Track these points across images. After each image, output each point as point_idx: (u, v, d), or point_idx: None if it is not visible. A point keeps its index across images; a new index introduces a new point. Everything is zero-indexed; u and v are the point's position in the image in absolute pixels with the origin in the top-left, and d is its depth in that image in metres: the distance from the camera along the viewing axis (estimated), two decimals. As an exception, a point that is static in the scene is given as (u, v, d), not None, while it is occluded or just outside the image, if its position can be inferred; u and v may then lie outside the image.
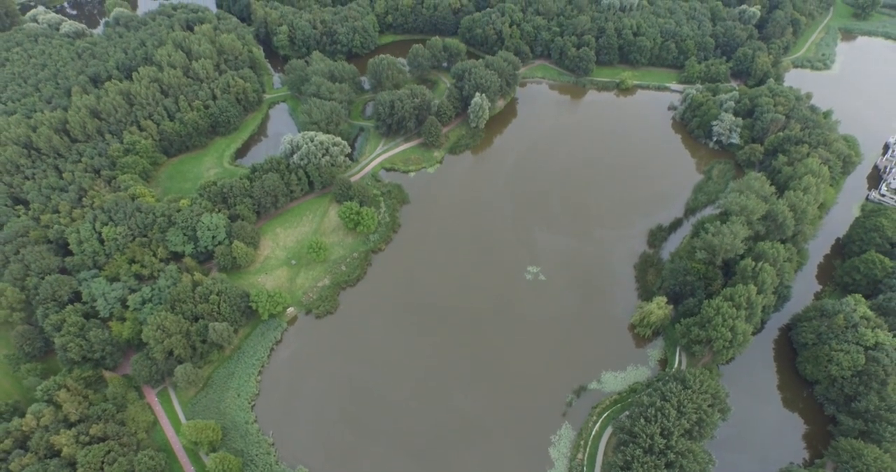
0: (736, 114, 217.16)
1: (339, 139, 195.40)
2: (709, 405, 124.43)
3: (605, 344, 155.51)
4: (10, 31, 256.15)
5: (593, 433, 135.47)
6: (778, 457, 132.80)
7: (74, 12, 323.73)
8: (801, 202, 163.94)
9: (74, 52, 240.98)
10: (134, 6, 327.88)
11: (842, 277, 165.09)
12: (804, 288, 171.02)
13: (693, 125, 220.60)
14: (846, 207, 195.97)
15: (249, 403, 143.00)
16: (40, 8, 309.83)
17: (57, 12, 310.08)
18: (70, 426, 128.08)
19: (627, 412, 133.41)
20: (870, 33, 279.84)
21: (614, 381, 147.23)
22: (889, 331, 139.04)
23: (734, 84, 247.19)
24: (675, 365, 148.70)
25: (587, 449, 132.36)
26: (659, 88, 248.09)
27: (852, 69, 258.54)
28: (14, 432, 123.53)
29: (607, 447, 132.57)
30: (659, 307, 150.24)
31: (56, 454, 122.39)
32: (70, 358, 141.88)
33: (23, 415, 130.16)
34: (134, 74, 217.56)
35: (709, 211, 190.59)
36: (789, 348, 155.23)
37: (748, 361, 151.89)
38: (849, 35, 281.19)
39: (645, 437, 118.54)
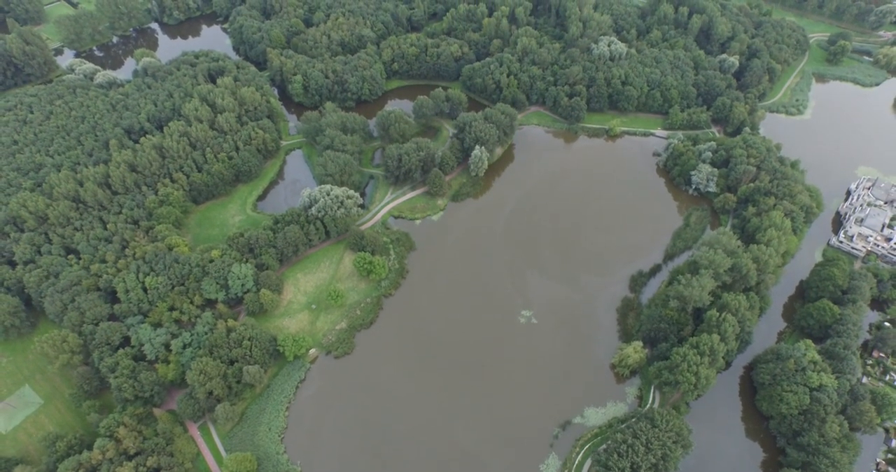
0: (713, 163, 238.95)
1: (352, 192, 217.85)
2: (673, 442, 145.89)
3: (588, 382, 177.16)
4: (52, 83, 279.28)
5: (576, 463, 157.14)
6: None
7: (101, 54, 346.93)
8: (763, 255, 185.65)
9: (109, 104, 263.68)
10: (154, 47, 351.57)
11: (799, 321, 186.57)
12: (769, 328, 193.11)
13: (675, 173, 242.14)
14: (810, 252, 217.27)
15: (279, 436, 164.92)
16: (69, 54, 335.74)
17: (86, 56, 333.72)
18: (129, 458, 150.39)
19: (604, 446, 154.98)
20: (841, 78, 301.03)
21: (596, 416, 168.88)
22: (832, 373, 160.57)
23: (714, 130, 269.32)
24: (649, 402, 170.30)
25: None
26: (645, 135, 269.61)
27: (823, 115, 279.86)
28: (84, 464, 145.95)
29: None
30: (635, 351, 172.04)
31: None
32: (124, 397, 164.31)
33: (89, 448, 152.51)
34: (165, 129, 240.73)
35: (686, 256, 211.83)
36: (751, 386, 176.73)
37: (716, 396, 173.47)
38: (822, 79, 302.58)
39: (617, 471, 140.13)
